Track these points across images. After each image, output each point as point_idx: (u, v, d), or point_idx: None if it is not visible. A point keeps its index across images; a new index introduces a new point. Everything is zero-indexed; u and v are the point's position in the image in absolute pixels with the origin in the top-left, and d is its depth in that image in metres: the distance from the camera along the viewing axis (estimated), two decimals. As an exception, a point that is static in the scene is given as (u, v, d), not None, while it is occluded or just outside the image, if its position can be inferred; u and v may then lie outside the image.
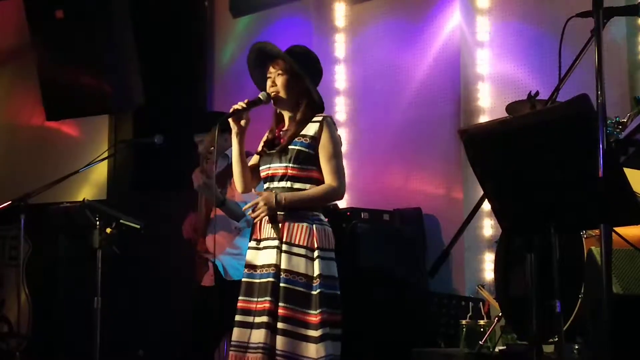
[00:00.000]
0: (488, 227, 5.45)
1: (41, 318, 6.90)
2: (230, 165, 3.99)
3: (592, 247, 3.45)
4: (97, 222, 4.38)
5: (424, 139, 5.74)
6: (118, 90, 6.50)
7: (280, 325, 3.39)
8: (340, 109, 6.16)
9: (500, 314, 4.29)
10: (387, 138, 5.94)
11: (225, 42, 6.92)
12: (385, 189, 5.84)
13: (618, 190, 2.35)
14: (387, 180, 5.88)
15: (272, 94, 3.59)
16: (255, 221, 3.57)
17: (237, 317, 3.51)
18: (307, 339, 3.39)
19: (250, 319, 3.47)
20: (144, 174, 6.95)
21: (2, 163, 7.66)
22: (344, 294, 3.54)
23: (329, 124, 3.60)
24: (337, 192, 3.57)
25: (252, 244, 3.59)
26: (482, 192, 2.74)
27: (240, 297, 3.54)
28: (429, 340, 4.99)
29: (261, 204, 3.50)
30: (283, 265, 3.45)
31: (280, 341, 3.37)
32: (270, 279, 3.44)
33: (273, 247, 3.49)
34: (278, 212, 3.51)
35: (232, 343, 3.50)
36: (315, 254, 3.47)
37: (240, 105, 3.55)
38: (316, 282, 3.43)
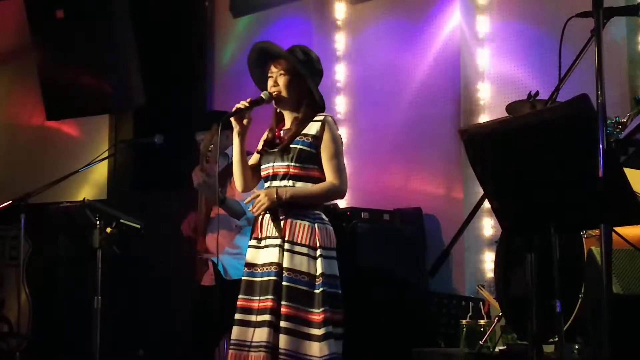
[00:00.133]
0: (488, 227, 5.45)
1: (41, 318, 6.90)
2: (230, 164, 3.99)
3: (592, 247, 3.45)
4: (97, 222, 4.38)
5: (424, 138, 5.74)
6: (118, 90, 6.50)
7: (283, 323, 3.39)
8: (340, 108, 6.16)
9: (500, 314, 4.29)
10: (387, 138, 5.94)
11: (225, 42, 6.92)
12: (385, 188, 5.84)
13: (618, 190, 2.35)
14: (387, 180, 5.88)
15: (274, 93, 3.60)
16: (255, 213, 3.57)
17: (237, 316, 3.51)
18: (311, 337, 3.39)
19: (250, 317, 3.47)
20: (144, 173, 6.95)
21: (2, 163, 7.66)
22: (344, 294, 3.54)
23: (331, 123, 3.61)
24: (339, 190, 3.58)
25: (253, 242, 3.59)
26: (482, 192, 2.74)
27: (240, 296, 3.54)
28: (429, 340, 4.99)
29: (262, 196, 3.50)
30: (285, 264, 3.45)
31: (283, 340, 3.37)
32: (273, 278, 3.44)
33: (275, 246, 3.49)
34: (280, 212, 3.51)
35: (232, 342, 3.50)
36: (318, 252, 3.47)
37: (243, 104, 3.56)
38: (319, 281, 3.44)
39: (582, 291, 3.66)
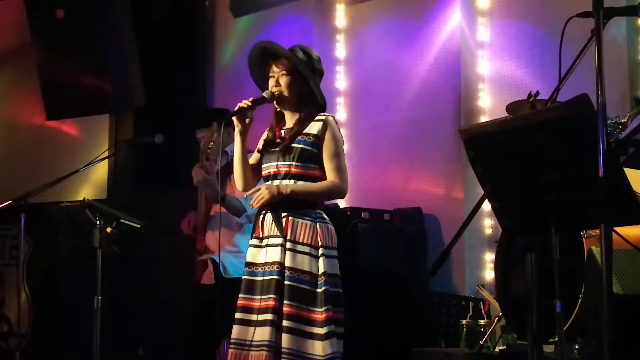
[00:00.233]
0: (488, 226, 5.46)
1: (41, 318, 6.90)
2: (230, 162, 3.99)
3: (592, 247, 3.45)
4: (98, 222, 4.37)
5: (425, 138, 5.74)
6: (118, 90, 6.50)
7: (285, 323, 3.39)
8: (340, 108, 6.16)
9: (500, 314, 4.29)
10: (388, 138, 5.94)
11: (225, 42, 6.92)
12: (385, 188, 5.85)
13: (618, 190, 2.35)
14: (388, 179, 5.88)
15: (276, 93, 3.61)
16: (255, 207, 3.57)
17: (238, 315, 3.51)
18: (313, 336, 3.39)
19: (251, 316, 3.47)
20: (144, 173, 6.95)
21: (2, 162, 7.66)
22: (344, 294, 3.54)
23: (332, 123, 3.62)
24: (340, 189, 3.58)
25: (254, 241, 3.59)
26: (482, 192, 2.74)
27: (240, 295, 3.54)
28: (429, 340, 4.99)
29: (263, 190, 3.51)
30: (287, 263, 3.45)
31: (286, 339, 3.37)
32: (274, 277, 3.45)
33: (277, 245, 3.49)
34: (282, 211, 3.51)
35: (232, 341, 3.50)
36: (320, 251, 3.48)
37: (245, 103, 3.56)
38: (321, 280, 3.44)
39: (582, 291, 3.65)
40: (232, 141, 4.40)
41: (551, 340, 3.58)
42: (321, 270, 3.46)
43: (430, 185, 5.69)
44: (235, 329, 3.50)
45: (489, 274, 5.38)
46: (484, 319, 4.58)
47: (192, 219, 4.65)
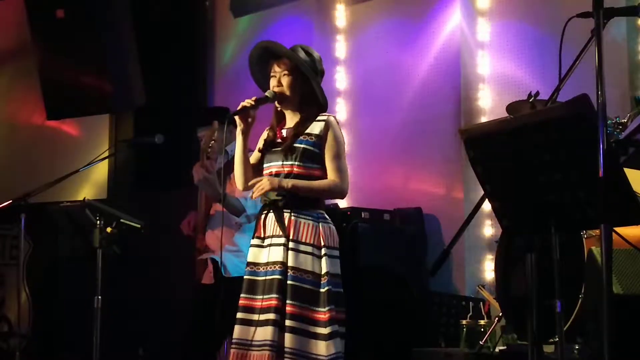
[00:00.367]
0: (488, 226, 5.45)
1: (41, 317, 6.90)
2: (230, 162, 3.99)
3: (593, 247, 3.45)
4: (98, 222, 4.37)
5: (425, 139, 5.74)
6: (118, 90, 6.50)
7: (288, 322, 3.39)
8: (340, 109, 6.16)
9: (500, 314, 4.29)
10: (388, 138, 5.94)
11: (225, 42, 6.92)
12: (385, 188, 5.84)
13: (618, 190, 2.35)
14: (388, 180, 5.88)
15: (278, 93, 3.60)
16: (254, 197, 3.57)
17: (239, 315, 3.51)
18: (317, 336, 3.40)
19: (253, 316, 3.47)
20: (144, 173, 6.95)
21: (2, 162, 7.66)
22: (344, 294, 3.54)
23: (334, 123, 3.63)
24: (341, 189, 3.59)
25: (255, 241, 3.59)
26: (482, 192, 2.75)
27: (242, 295, 3.54)
28: (429, 340, 4.99)
29: (264, 181, 3.51)
30: (290, 263, 3.45)
31: (289, 339, 3.38)
32: (277, 277, 3.45)
33: (279, 245, 3.49)
34: (284, 211, 3.51)
35: (234, 340, 3.50)
36: (322, 251, 3.49)
37: (248, 102, 3.56)
38: (324, 280, 3.45)
39: (582, 291, 3.65)
40: (233, 140, 4.40)
41: (551, 340, 3.58)
42: (324, 270, 3.46)
43: (430, 185, 5.69)
44: (237, 329, 3.50)
45: (489, 274, 5.38)
46: (484, 319, 4.57)
47: (192, 219, 4.65)
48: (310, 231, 3.50)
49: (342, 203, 5.47)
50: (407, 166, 5.82)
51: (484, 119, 5.53)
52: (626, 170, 2.65)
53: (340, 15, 6.28)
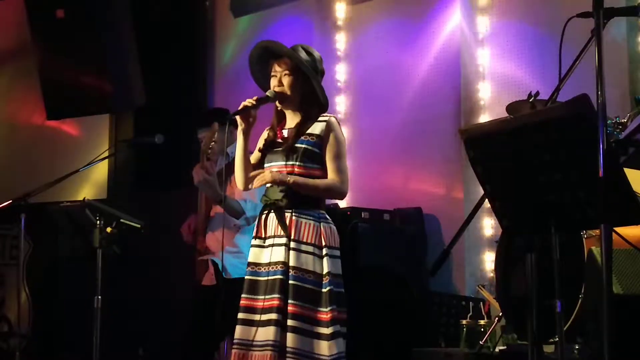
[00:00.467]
0: (488, 226, 5.45)
1: (41, 317, 6.90)
2: (230, 163, 3.99)
3: (593, 247, 3.45)
4: (98, 222, 4.37)
5: (425, 138, 5.74)
6: (119, 90, 6.50)
7: (290, 322, 3.39)
8: (340, 108, 6.16)
9: (500, 314, 4.29)
10: (388, 137, 5.94)
11: (225, 41, 6.92)
12: (385, 188, 5.84)
13: (618, 190, 2.35)
14: (388, 179, 5.88)
15: (279, 92, 3.60)
16: (254, 186, 3.56)
17: (240, 315, 3.51)
18: (319, 336, 3.40)
19: (254, 316, 3.46)
20: (144, 173, 6.95)
21: (2, 162, 7.66)
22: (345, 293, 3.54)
23: (335, 124, 3.63)
24: (341, 189, 3.59)
25: (256, 242, 3.59)
26: (482, 192, 2.74)
27: (243, 295, 3.53)
28: (429, 340, 4.99)
29: (267, 172, 3.51)
30: (292, 263, 3.45)
31: (291, 338, 3.37)
32: (279, 277, 3.44)
33: (281, 245, 3.49)
34: (285, 211, 3.51)
35: (235, 341, 3.49)
36: (324, 251, 3.48)
37: (250, 102, 3.55)
38: (326, 280, 3.45)
39: (582, 291, 3.65)
40: (233, 141, 4.40)
41: (551, 340, 3.58)
42: (325, 270, 3.46)
43: (430, 185, 5.69)
44: (238, 329, 3.49)
45: (489, 274, 5.38)
46: (484, 319, 4.57)
47: (192, 223, 4.65)
48: (311, 231, 3.50)
49: (342, 203, 5.47)
50: (407, 166, 5.82)
51: (484, 119, 5.52)
52: (626, 170, 2.65)
53: (340, 14, 6.27)
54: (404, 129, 5.85)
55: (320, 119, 3.62)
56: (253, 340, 3.42)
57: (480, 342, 4.30)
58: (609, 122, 3.69)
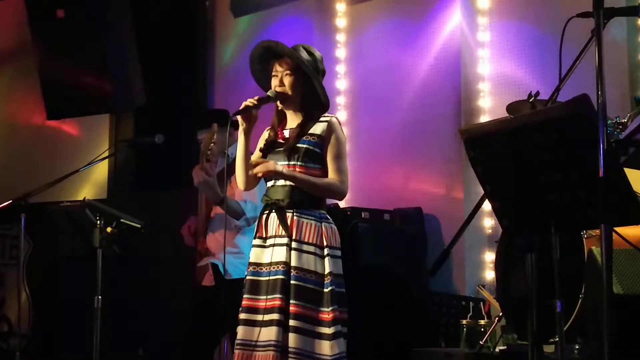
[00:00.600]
0: (488, 226, 5.45)
1: (41, 317, 6.90)
2: (230, 164, 3.99)
3: (593, 247, 3.45)
4: (98, 222, 4.37)
5: (425, 138, 5.74)
6: (119, 90, 6.50)
7: (292, 322, 3.38)
8: (340, 108, 6.16)
9: (500, 314, 4.29)
10: (388, 138, 5.94)
11: (225, 41, 6.92)
12: (385, 188, 5.84)
13: (618, 190, 2.35)
14: (388, 179, 5.88)
15: (280, 92, 3.60)
16: (254, 172, 3.55)
17: (242, 316, 3.50)
18: (321, 336, 3.39)
19: (257, 317, 3.45)
20: (144, 173, 6.95)
21: (2, 162, 7.67)
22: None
23: (336, 124, 3.62)
24: (341, 190, 3.59)
25: (257, 242, 3.58)
26: (482, 192, 2.74)
27: (245, 295, 3.52)
28: (429, 340, 4.99)
29: (271, 163, 3.50)
30: (293, 263, 3.45)
31: (293, 339, 3.37)
32: (280, 277, 3.44)
33: (282, 245, 3.48)
34: (287, 211, 3.51)
35: (238, 341, 3.48)
36: (325, 251, 3.48)
37: (251, 102, 3.55)
38: (327, 280, 3.44)
39: (582, 291, 3.65)
40: (233, 142, 4.40)
41: (551, 340, 3.58)
42: (327, 270, 3.46)
43: (430, 185, 5.69)
44: (241, 330, 3.48)
45: (489, 274, 5.38)
46: (484, 319, 4.57)
47: (192, 224, 4.64)
48: (313, 231, 3.50)
49: (342, 203, 5.45)
50: (407, 166, 5.82)
51: (484, 119, 5.52)
52: (626, 170, 2.64)
53: (341, 15, 6.28)
54: (404, 129, 5.85)
55: (321, 119, 3.62)
56: (256, 341, 3.41)
57: (481, 342, 4.30)
58: (609, 122, 3.69)
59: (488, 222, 5.45)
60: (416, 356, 4.62)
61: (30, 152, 7.52)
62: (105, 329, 4.40)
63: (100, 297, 4.38)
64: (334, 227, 3.59)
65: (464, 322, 4.47)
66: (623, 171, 2.42)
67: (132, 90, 6.51)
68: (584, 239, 3.69)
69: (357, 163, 5.84)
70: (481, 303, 4.85)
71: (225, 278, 4.33)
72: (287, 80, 3.60)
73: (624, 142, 3.66)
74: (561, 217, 2.53)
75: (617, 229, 2.58)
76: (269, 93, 3.61)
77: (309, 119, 3.61)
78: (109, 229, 4.38)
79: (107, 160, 6.33)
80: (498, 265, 4.25)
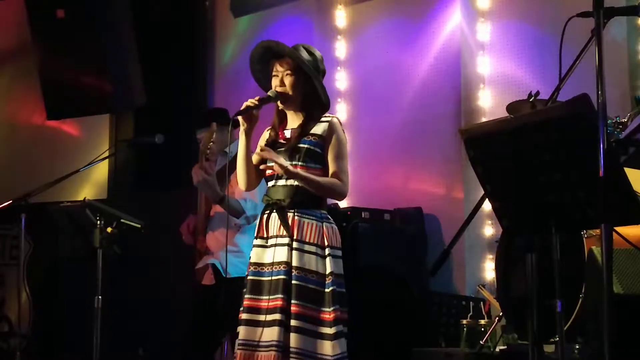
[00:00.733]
0: (489, 226, 5.45)
1: (41, 317, 6.90)
2: (230, 163, 3.99)
3: (593, 247, 3.46)
4: (98, 222, 4.37)
5: (425, 138, 5.74)
6: (119, 90, 6.50)
7: (293, 322, 3.38)
8: (341, 109, 6.16)
9: (500, 314, 4.29)
10: (388, 138, 5.94)
11: (225, 42, 6.92)
12: (385, 188, 5.84)
13: (618, 190, 2.35)
14: (388, 179, 5.88)
15: (281, 92, 3.60)
16: (259, 154, 3.54)
17: (244, 316, 3.50)
18: (323, 336, 3.39)
19: (259, 317, 3.45)
20: (144, 173, 6.96)
21: (2, 162, 7.67)
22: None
23: (337, 124, 3.62)
24: (342, 190, 3.58)
25: (258, 242, 3.58)
26: (482, 192, 2.74)
27: (246, 296, 3.52)
28: (430, 340, 4.99)
29: (282, 159, 3.48)
30: (294, 263, 3.44)
31: (294, 339, 3.37)
32: (282, 277, 3.43)
33: (283, 245, 3.48)
34: (288, 211, 3.51)
35: (240, 342, 3.48)
36: (327, 251, 3.48)
37: (252, 102, 3.54)
38: (329, 280, 3.44)
39: (583, 291, 3.65)
40: (233, 140, 4.40)
41: (552, 340, 3.58)
42: (328, 270, 3.46)
43: (430, 185, 5.69)
44: (243, 330, 3.48)
45: (489, 274, 5.38)
46: (484, 319, 4.58)
47: (191, 222, 4.65)
48: (314, 231, 3.50)
49: (343, 203, 5.46)
50: (407, 166, 5.82)
51: (484, 119, 5.52)
52: (626, 170, 2.64)
53: (341, 15, 6.28)
54: (404, 129, 5.85)
55: (322, 119, 3.62)
56: (259, 341, 3.41)
57: (481, 342, 4.31)
58: (609, 121, 3.69)
59: (488, 222, 5.45)
60: (416, 356, 4.62)
61: (30, 152, 7.52)
62: (105, 329, 4.40)
63: (100, 297, 4.38)
64: (335, 227, 3.59)
65: (464, 322, 4.47)
66: (623, 171, 2.42)
67: (132, 90, 6.51)
68: (584, 239, 3.69)
69: (357, 163, 5.84)
70: (481, 303, 4.85)
71: (224, 277, 4.33)
72: (287, 80, 3.60)
73: (624, 141, 3.66)
74: (561, 217, 2.53)
75: (617, 228, 2.58)
76: (269, 93, 3.61)
77: (310, 119, 3.61)
78: (109, 229, 4.39)
79: (107, 160, 6.33)
80: (498, 265, 4.26)
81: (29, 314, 6.93)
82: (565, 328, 2.88)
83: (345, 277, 3.58)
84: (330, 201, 3.91)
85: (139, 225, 4.50)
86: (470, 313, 4.64)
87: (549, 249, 2.62)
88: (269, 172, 3.59)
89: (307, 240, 3.48)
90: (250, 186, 3.71)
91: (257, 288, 3.51)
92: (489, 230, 5.45)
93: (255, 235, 3.62)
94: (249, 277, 3.56)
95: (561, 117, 2.41)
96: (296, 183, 3.53)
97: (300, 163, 3.53)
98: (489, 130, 2.67)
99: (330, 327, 3.39)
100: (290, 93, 3.60)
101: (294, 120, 3.66)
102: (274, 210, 3.55)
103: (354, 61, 6.22)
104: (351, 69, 6.22)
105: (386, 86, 5.99)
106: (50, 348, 6.76)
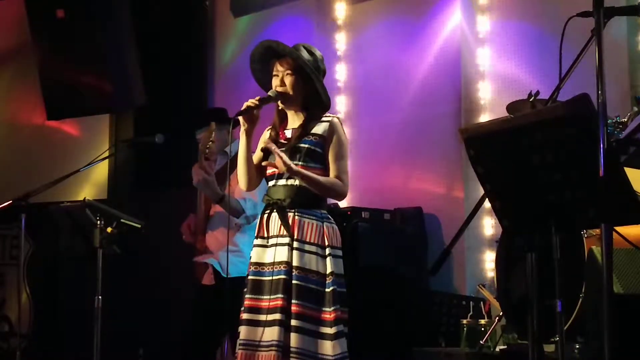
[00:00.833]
0: (489, 226, 5.45)
1: (41, 317, 6.90)
2: (229, 163, 3.99)
3: (593, 247, 3.45)
4: (98, 222, 4.37)
5: (425, 138, 5.74)
6: (119, 90, 6.51)
7: (294, 322, 3.38)
8: (340, 108, 6.16)
9: (500, 314, 4.29)
10: (388, 137, 5.94)
11: (226, 41, 6.92)
12: (385, 188, 5.84)
13: (618, 190, 2.34)
14: (388, 179, 5.88)
15: (281, 92, 3.59)
16: (266, 144, 3.54)
17: (245, 316, 3.50)
18: (323, 336, 3.39)
19: (260, 317, 3.45)
20: (144, 173, 6.96)
21: (2, 162, 7.67)
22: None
23: (338, 124, 3.62)
24: (342, 189, 3.58)
25: (258, 241, 3.58)
26: (482, 191, 2.74)
27: (247, 296, 3.52)
28: (430, 340, 4.99)
29: (286, 158, 3.47)
30: (295, 263, 3.44)
31: (295, 338, 3.36)
32: (282, 277, 3.43)
33: (284, 245, 3.48)
34: (288, 211, 3.50)
35: (241, 342, 3.48)
36: (327, 251, 3.48)
37: (252, 102, 3.54)
38: (329, 280, 3.44)
39: (583, 291, 3.65)
40: (234, 140, 4.40)
41: (552, 339, 3.58)
42: (329, 270, 3.46)
43: (430, 184, 5.69)
44: (244, 330, 3.48)
45: (489, 273, 5.37)
46: (484, 319, 4.58)
47: (191, 222, 4.64)
48: (314, 231, 3.50)
49: (343, 203, 5.46)
50: (407, 166, 5.82)
51: (484, 118, 5.52)
52: (626, 169, 2.64)
53: (340, 14, 6.27)
54: (404, 129, 5.85)
55: (323, 119, 3.62)
56: (260, 341, 3.41)
57: (481, 342, 4.31)
58: (609, 121, 3.69)
59: (488, 222, 5.45)
60: (416, 356, 4.62)
61: (30, 152, 7.52)
62: (105, 329, 4.40)
63: (100, 297, 4.38)
64: (335, 226, 3.59)
65: (465, 321, 4.47)
66: (623, 171, 2.42)
67: (132, 90, 6.51)
68: (584, 239, 3.69)
69: (357, 162, 5.84)
70: (481, 303, 4.85)
71: (224, 277, 4.33)
72: (288, 80, 3.60)
73: (624, 141, 3.65)
74: (561, 217, 2.53)
75: (617, 228, 2.58)
76: (270, 93, 3.61)
77: (311, 118, 3.61)
78: (109, 229, 4.39)
79: (107, 160, 6.33)
80: (498, 265, 4.25)
81: (29, 314, 6.93)
82: (565, 328, 2.88)
83: (345, 276, 3.58)
84: (330, 201, 3.91)
85: (139, 225, 4.50)
86: (471, 313, 4.64)
87: (549, 249, 2.62)
88: (269, 171, 3.59)
89: (307, 240, 3.48)
90: (251, 186, 3.71)
91: (258, 288, 3.51)
92: (489, 230, 5.45)
93: (255, 235, 3.62)
94: (249, 277, 3.56)
95: (561, 117, 2.41)
96: (297, 183, 3.52)
97: (300, 163, 3.53)
98: (489, 129, 2.67)
99: (331, 327, 3.39)
100: (291, 93, 3.60)
101: (294, 120, 3.66)
102: (275, 210, 3.55)
103: (354, 60, 6.21)
104: (351, 67, 6.22)
105: (386, 85, 5.99)
106: (50, 348, 6.76)
